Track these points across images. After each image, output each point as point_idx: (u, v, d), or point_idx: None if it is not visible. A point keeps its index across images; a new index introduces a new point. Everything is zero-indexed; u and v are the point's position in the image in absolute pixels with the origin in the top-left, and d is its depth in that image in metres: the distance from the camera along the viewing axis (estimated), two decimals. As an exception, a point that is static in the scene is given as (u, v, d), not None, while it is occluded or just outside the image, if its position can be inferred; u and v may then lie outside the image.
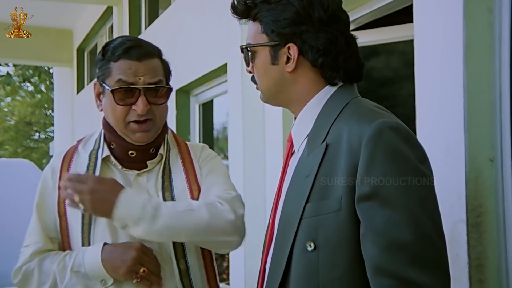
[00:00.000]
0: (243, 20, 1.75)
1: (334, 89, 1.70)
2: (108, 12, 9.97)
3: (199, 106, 6.46)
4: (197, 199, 2.02)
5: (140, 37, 8.06)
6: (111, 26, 10.01)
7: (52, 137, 19.50)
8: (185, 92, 6.40)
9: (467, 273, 2.12)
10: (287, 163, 1.75)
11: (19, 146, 24.87)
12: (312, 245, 1.53)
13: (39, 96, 23.82)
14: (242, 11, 1.71)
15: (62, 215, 2.04)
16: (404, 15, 3.18)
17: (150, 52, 2.02)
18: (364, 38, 3.43)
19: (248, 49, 1.72)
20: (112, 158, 2.05)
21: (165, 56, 2.10)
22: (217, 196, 1.98)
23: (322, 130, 1.64)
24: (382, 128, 1.50)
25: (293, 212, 1.59)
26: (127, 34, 8.46)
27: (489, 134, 2.15)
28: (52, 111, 20.09)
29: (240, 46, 1.74)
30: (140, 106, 1.95)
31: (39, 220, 2.09)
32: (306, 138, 1.69)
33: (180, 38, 6.24)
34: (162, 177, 2.03)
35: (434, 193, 1.53)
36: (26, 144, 25.36)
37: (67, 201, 1.97)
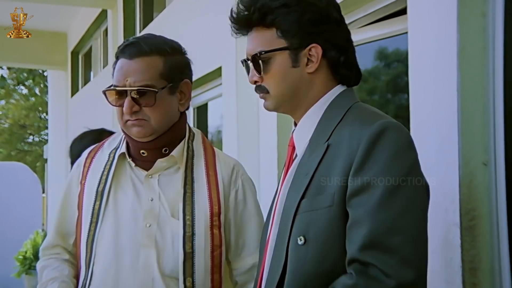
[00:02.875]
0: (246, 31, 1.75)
1: (337, 92, 1.73)
2: (103, 15, 9.97)
3: (194, 109, 6.45)
4: (218, 215, 2.01)
5: (134, 40, 8.06)
6: (106, 29, 10.01)
7: (46, 140, 19.46)
8: (179, 95, 6.39)
9: (461, 277, 2.13)
10: (289, 167, 1.76)
11: (13, 149, 24.84)
12: (303, 239, 1.56)
13: (33, 99, 23.80)
14: (257, 18, 1.70)
15: (80, 208, 2.10)
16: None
17: (144, 50, 1.98)
18: (360, 36, 3.45)
19: (263, 56, 1.71)
20: (127, 156, 2.07)
21: (175, 51, 2.05)
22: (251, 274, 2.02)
23: (325, 132, 1.66)
24: (383, 128, 1.54)
25: (290, 208, 1.63)
26: (122, 37, 8.47)
27: (482, 138, 2.16)
28: (46, 114, 20.07)
29: (252, 56, 1.72)
30: (124, 107, 1.96)
31: (58, 213, 2.17)
32: (308, 141, 1.71)
33: (174, 41, 6.24)
34: (184, 187, 2.01)
35: (425, 195, 1.56)
36: (20, 147, 25.33)
37: (84, 195, 2.07)
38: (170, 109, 2.02)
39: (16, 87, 23.57)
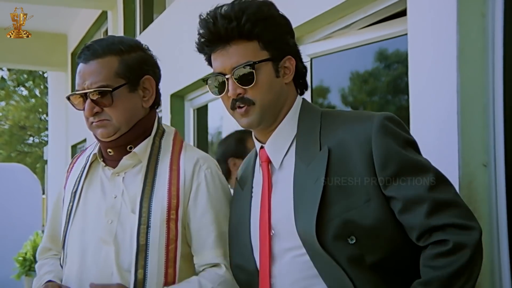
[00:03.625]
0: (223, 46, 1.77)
1: (300, 103, 1.84)
2: (103, 16, 9.97)
3: (194, 110, 6.45)
4: (175, 209, 2.00)
5: (134, 41, 8.07)
6: (106, 31, 10.01)
7: (46, 142, 19.47)
8: (179, 97, 6.39)
9: (461, 278, 2.12)
10: (270, 181, 1.81)
11: (13, 150, 24.84)
12: (354, 238, 1.62)
13: (33, 100, 23.81)
14: (248, 30, 1.74)
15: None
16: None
17: (98, 52, 2.01)
18: (359, 38, 3.45)
19: (254, 66, 1.74)
20: (98, 157, 2.11)
21: (131, 49, 2.05)
22: (221, 276, 1.99)
23: (312, 140, 1.74)
24: (386, 119, 1.67)
25: (307, 216, 1.66)
26: (122, 38, 8.44)
27: (482, 139, 2.16)
28: (47, 115, 20.08)
29: (237, 68, 1.74)
30: (85, 110, 2.00)
31: (49, 218, 2.25)
32: (287, 155, 1.79)
33: (174, 42, 6.24)
34: (144, 182, 2.02)
35: None
36: (20, 148, 25.33)
37: (64, 199, 2.14)
38: (131, 106, 2.03)
39: (16, 89, 23.57)
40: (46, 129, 19.98)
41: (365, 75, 3.84)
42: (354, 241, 1.62)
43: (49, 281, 2.06)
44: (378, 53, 3.63)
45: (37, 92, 23.70)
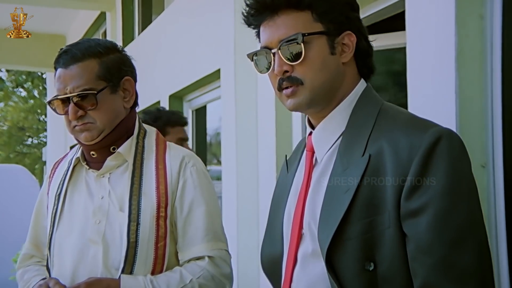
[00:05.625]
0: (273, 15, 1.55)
1: (361, 90, 1.60)
2: (102, 17, 9.98)
3: (192, 111, 6.46)
4: (164, 206, 2.02)
5: (133, 43, 8.08)
6: (105, 32, 10.01)
7: (45, 143, 19.46)
8: (178, 98, 6.40)
9: (459, 279, 2.12)
10: (310, 175, 1.62)
11: (11, 151, 24.82)
12: (372, 264, 1.44)
13: (32, 101, 23.82)
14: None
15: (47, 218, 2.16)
16: (397, 22, 3.19)
17: (77, 56, 2.01)
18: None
19: (303, 39, 1.51)
20: (82, 160, 2.12)
21: (109, 50, 2.05)
22: (202, 268, 2.00)
23: (358, 142, 1.52)
24: (437, 138, 1.43)
25: (329, 229, 1.47)
26: (121, 39, 8.47)
27: (480, 140, 2.16)
28: (45, 116, 20.06)
29: (286, 41, 1.52)
30: (69, 114, 2.00)
31: (31, 225, 2.24)
32: (331, 149, 1.58)
33: (173, 43, 6.25)
34: (132, 180, 2.04)
35: (479, 203, 1.47)
36: (19, 149, 25.31)
37: (49, 204, 2.13)
38: (114, 108, 2.05)
39: (15, 89, 23.57)
40: (45, 130, 19.98)
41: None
42: (372, 267, 1.43)
43: (44, 278, 2.06)
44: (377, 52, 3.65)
45: (35, 93, 23.69)
